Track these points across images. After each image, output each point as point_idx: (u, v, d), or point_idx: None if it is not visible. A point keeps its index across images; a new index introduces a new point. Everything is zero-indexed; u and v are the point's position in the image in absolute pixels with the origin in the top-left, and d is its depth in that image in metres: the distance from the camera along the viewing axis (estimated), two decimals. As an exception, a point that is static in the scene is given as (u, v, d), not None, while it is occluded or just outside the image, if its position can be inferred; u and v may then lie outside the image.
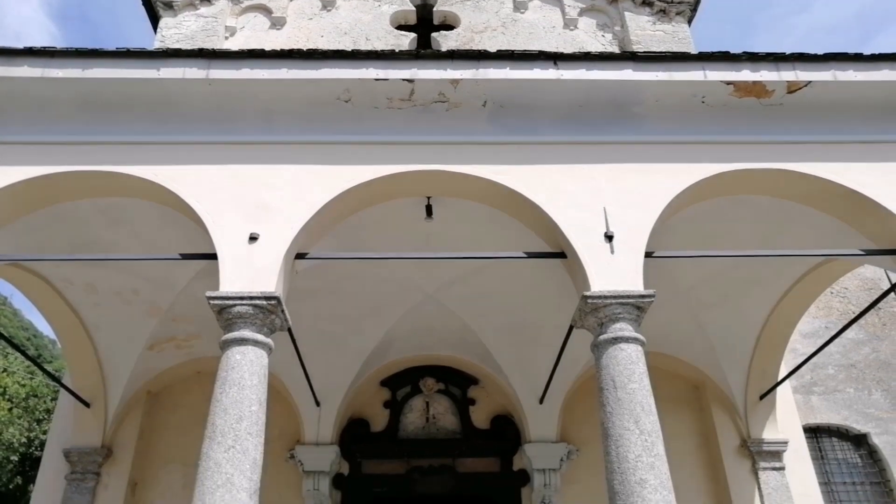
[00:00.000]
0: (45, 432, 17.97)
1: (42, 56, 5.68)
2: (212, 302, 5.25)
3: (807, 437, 9.14)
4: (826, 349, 7.86)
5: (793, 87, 5.88)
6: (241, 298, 5.21)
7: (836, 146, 5.91)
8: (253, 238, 5.54)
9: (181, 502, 7.95)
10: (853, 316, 7.17)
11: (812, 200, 6.07)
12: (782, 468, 8.31)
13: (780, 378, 8.39)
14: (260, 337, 5.20)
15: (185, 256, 5.88)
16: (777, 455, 8.35)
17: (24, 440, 22.15)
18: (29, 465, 21.04)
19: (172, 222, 6.24)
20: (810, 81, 5.84)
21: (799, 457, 8.51)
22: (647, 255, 5.63)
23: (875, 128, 5.99)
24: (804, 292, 7.72)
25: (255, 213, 5.64)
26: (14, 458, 22.07)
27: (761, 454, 8.34)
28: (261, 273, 5.39)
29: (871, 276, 11.78)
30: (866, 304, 7.17)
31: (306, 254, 5.88)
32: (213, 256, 5.53)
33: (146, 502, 8.38)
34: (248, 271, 5.40)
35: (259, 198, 5.69)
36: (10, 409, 23.96)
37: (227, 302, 5.22)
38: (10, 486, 22.33)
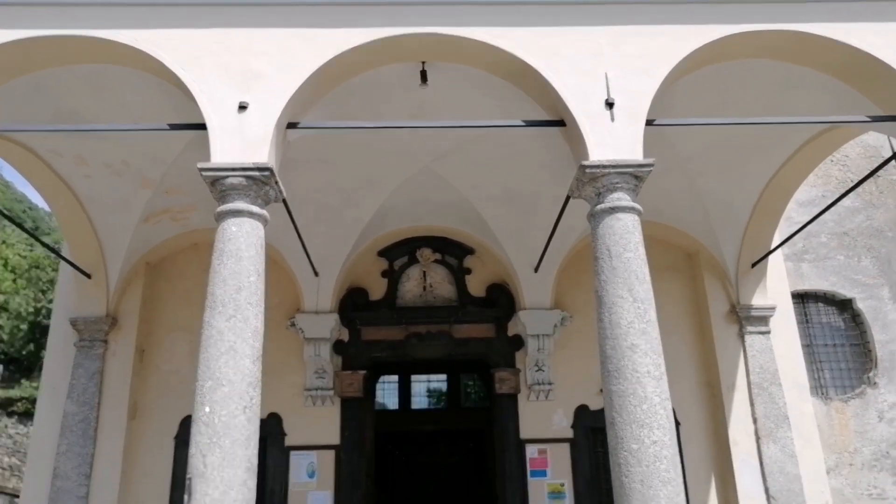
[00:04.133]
0: (51, 302, 18.42)
1: None
2: (204, 174, 5.18)
3: (794, 303, 9.40)
4: (820, 217, 7.89)
5: (812, -64, 5.49)
6: (234, 170, 5.14)
7: (848, 5, 5.61)
8: (242, 107, 5.39)
9: (188, 367, 8.27)
10: (851, 184, 7.14)
11: (821, 64, 5.85)
12: (768, 332, 8.62)
13: (773, 246, 8.49)
14: (255, 208, 5.17)
15: (174, 127, 5.72)
16: (764, 320, 8.63)
17: (31, 309, 22.77)
18: (39, 332, 21.78)
19: (158, 91, 6.01)
20: (831, -73, 5.44)
21: (785, 321, 8.80)
22: (648, 122, 5.50)
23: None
24: (805, 160, 7.63)
25: (243, 81, 5.45)
26: (23, 326, 22.80)
27: (749, 319, 8.61)
28: (252, 143, 5.29)
29: (873, 143, 11.63)
30: (866, 172, 7.11)
31: (298, 123, 5.74)
32: (203, 126, 5.39)
33: (154, 367, 8.72)
34: (239, 141, 5.29)
35: (247, 64, 5.47)
36: (13, 280, 24.45)
37: (219, 173, 5.15)
38: (24, 353, 23.24)
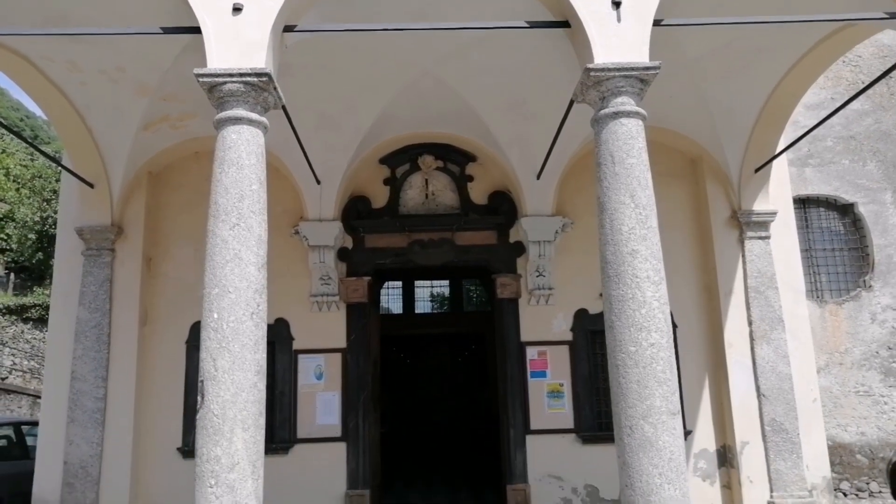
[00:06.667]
0: (56, 211, 18.55)
1: None
2: (201, 80, 5.09)
3: (795, 207, 9.41)
4: (828, 121, 7.75)
5: None
6: (231, 75, 5.04)
7: None
8: (237, 9, 5.22)
9: (195, 274, 8.41)
10: (862, 86, 6.97)
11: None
12: (768, 237, 8.66)
13: (777, 151, 8.40)
14: (254, 116, 5.11)
15: (167, 30, 5.54)
16: (764, 225, 8.66)
17: (37, 219, 22.88)
18: (47, 241, 22.00)
19: (148, -8, 5.80)
20: None
21: (785, 227, 8.83)
22: (656, 23, 5.33)
23: None
24: (816, 61, 7.41)
25: (236, -20, 5.23)
26: (31, 235, 23.00)
27: (749, 224, 8.64)
28: (249, 48, 5.16)
29: (888, 42, 11.27)
30: (878, 73, 6.92)
31: (295, 26, 5.56)
32: (197, 30, 5.24)
33: (162, 275, 8.87)
34: (235, 46, 5.16)
35: (238, -38, 5.24)
36: (17, 190, 24.46)
37: (216, 79, 5.06)
38: (34, 261, 23.57)
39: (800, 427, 8.22)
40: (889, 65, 8.47)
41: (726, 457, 8.53)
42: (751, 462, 8.23)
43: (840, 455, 10.35)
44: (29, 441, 9.73)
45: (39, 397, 13.14)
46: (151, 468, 8.36)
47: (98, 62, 7.15)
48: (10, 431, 9.69)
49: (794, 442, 8.16)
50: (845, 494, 10.15)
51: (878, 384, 10.59)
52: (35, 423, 9.93)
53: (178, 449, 8.42)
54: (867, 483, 10.26)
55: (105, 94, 7.56)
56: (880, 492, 10.12)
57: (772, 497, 8.06)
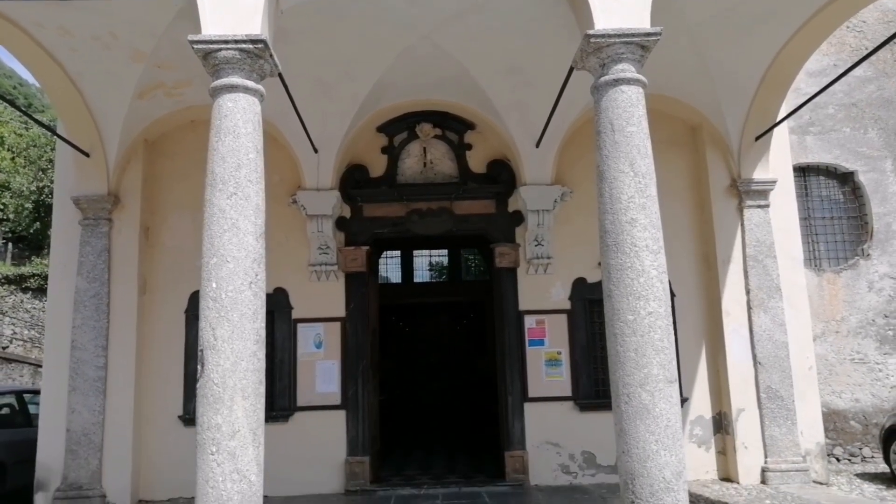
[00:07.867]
0: (52, 181, 18.44)
1: None
2: (195, 46, 5.02)
3: (795, 176, 9.36)
4: (830, 88, 7.66)
5: None
6: (226, 42, 4.97)
7: None
8: (230, -27, 5.10)
9: (193, 244, 8.39)
10: (865, 52, 6.87)
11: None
12: (767, 206, 8.63)
13: (778, 119, 8.33)
14: (250, 83, 5.05)
15: (159, -5, 5.45)
16: (764, 194, 8.63)
17: (33, 188, 22.76)
18: (43, 211, 21.91)
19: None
20: None
21: (785, 195, 8.80)
22: (658, -13, 5.23)
23: None
24: (820, 26, 7.29)
25: (228, -57, 5.12)
26: (28, 205, 22.89)
27: (749, 193, 8.61)
28: (244, 13, 5.08)
29: (893, 6, 11.12)
30: (882, 39, 6.82)
31: (290, -9, 5.47)
32: (190, -6, 5.15)
33: (160, 245, 8.86)
34: (230, 11, 5.08)
35: (231, -75, 5.11)
36: (12, 159, 24.29)
37: (211, 46, 4.99)
38: (31, 231, 23.50)
39: (795, 394, 8.30)
40: (894, 30, 8.35)
41: (722, 423, 8.63)
42: (746, 428, 8.33)
43: (834, 421, 10.48)
44: (31, 409, 9.82)
45: (41, 366, 13.22)
46: (153, 436, 8.45)
47: (90, 28, 7.03)
48: (12, 399, 9.77)
49: (789, 409, 8.25)
50: (838, 460, 10.30)
51: (873, 352, 10.67)
52: (37, 392, 10.01)
53: (179, 417, 8.50)
54: (860, 448, 10.40)
55: (98, 60, 7.45)
56: (873, 457, 10.26)
57: (766, 463, 8.18)
